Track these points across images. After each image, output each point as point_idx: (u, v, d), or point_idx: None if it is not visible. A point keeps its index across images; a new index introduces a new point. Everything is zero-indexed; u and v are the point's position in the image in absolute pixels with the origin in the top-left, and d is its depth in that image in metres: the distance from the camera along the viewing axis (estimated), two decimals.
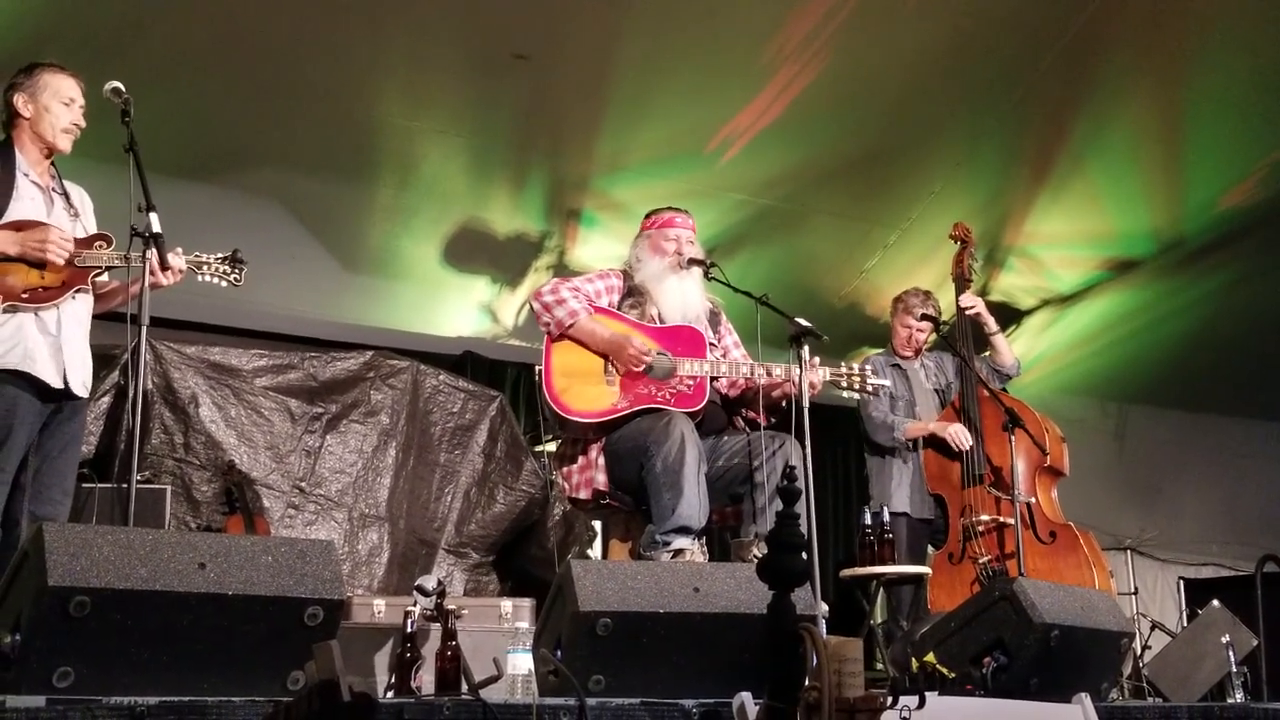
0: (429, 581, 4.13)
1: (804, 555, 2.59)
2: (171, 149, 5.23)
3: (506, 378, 8.29)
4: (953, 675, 3.68)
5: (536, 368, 4.92)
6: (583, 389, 4.82)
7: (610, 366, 4.87)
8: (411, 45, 6.93)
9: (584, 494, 4.86)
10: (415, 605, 3.95)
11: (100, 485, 5.15)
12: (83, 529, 2.63)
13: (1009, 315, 9.32)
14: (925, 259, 8.67)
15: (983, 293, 6.39)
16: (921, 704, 2.65)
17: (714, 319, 5.21)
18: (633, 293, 5.08)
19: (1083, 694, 3.48)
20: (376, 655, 4.76)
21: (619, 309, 5.02)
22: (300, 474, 6.13)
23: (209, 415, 5.97)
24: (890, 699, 2.53)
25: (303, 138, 7.27)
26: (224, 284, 4.50)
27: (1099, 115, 8.03)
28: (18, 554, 2.63)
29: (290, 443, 6.13)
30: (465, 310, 8.48)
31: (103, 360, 5.52)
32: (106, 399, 5.74)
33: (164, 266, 4.13)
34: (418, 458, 6.52)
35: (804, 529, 2.64)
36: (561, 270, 8.18)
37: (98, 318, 4.50)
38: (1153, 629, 7.47)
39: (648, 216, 5.26)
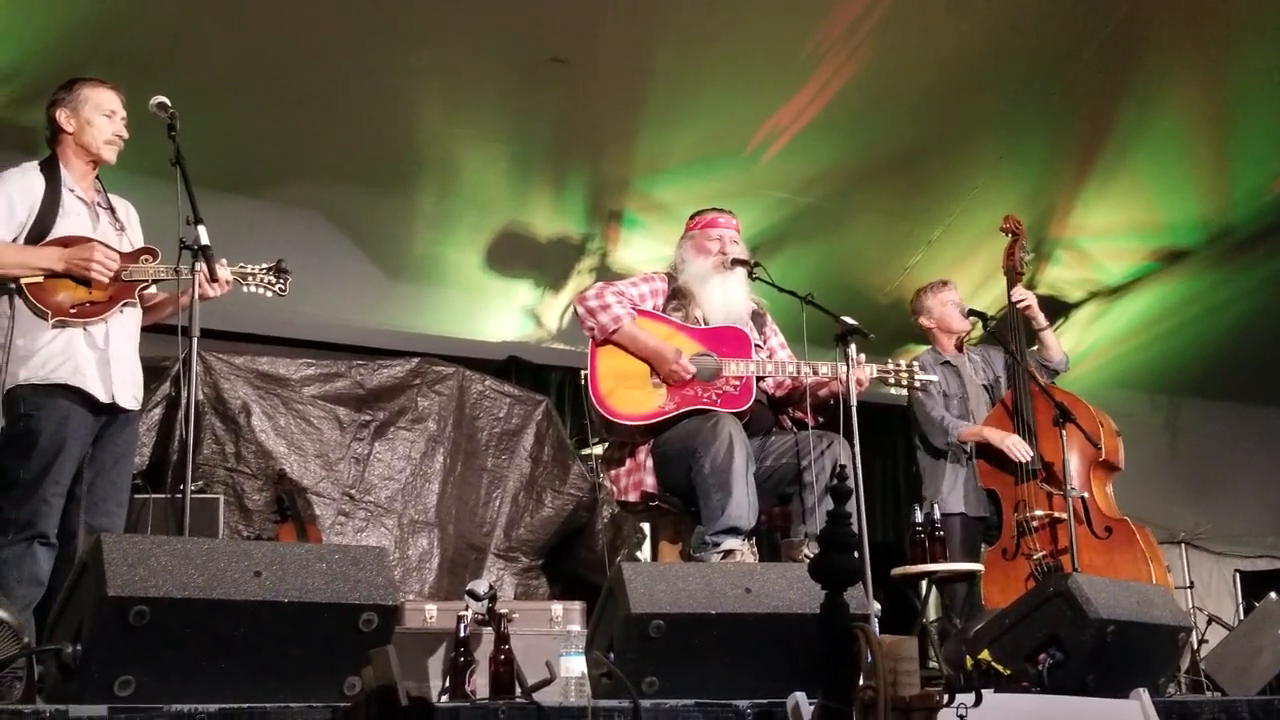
0: (480, 586, 4.15)
1: (856, 554, 2.57)
2: (212, 163, 5.31)
3: (551, 382, 8.31)
4: (1008, 672, 3.66)
5: (582, 372, 4.93)
6: (629, 392, 4.83)
7: (654, 370, 4.87)
8: (448, 53, 6.96)
9: (633, 496, 4.86)
10: (467, 610, 3.96)
11: (154, 496, 5.19)
12: (140, 539, 2.66)
13: (1056, 308, 9.26)
14: (970, 254, 8.63)
15: (1030, 286, 6.32)
16: (978, 702, 2.63)
17: (758, 319, 5.20)
18: (677, 295, 5.08)
19: (1140, 689, 3.44)
20: (429, 660, 4.78)
21: (664, 311, 5.02)
22: (350, 481, 6.16)
23: (259, 425, 6.01)
24: (946, 697, 2.51)
25: (342, 149, 7.32)
26: (269, 294, 4.52)
27: (1143, 104, 7.96)
28: (77, 565, 2.66)
29: (339, 450, 6.16)
30: (509, 315, 8.51)
31: (153, 372, 5.56)
32: (158, 410, 5.79)
33: (213, 279, 4.17)
34: (465, 463, 6.54)
35: (855, 528, 2.63)
36: (604, 273, 8.20)
37: (147, 330, 4.54)
38: (1209, 623, 7.38)
39: (691, 218, 5.26)
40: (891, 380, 5.05)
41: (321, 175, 7.46)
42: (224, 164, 6.60)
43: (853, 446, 4.58)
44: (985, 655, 3.69)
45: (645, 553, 6.83)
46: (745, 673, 3.13)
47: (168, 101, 4.22)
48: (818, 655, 2.50)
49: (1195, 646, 6.14)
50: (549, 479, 6.64)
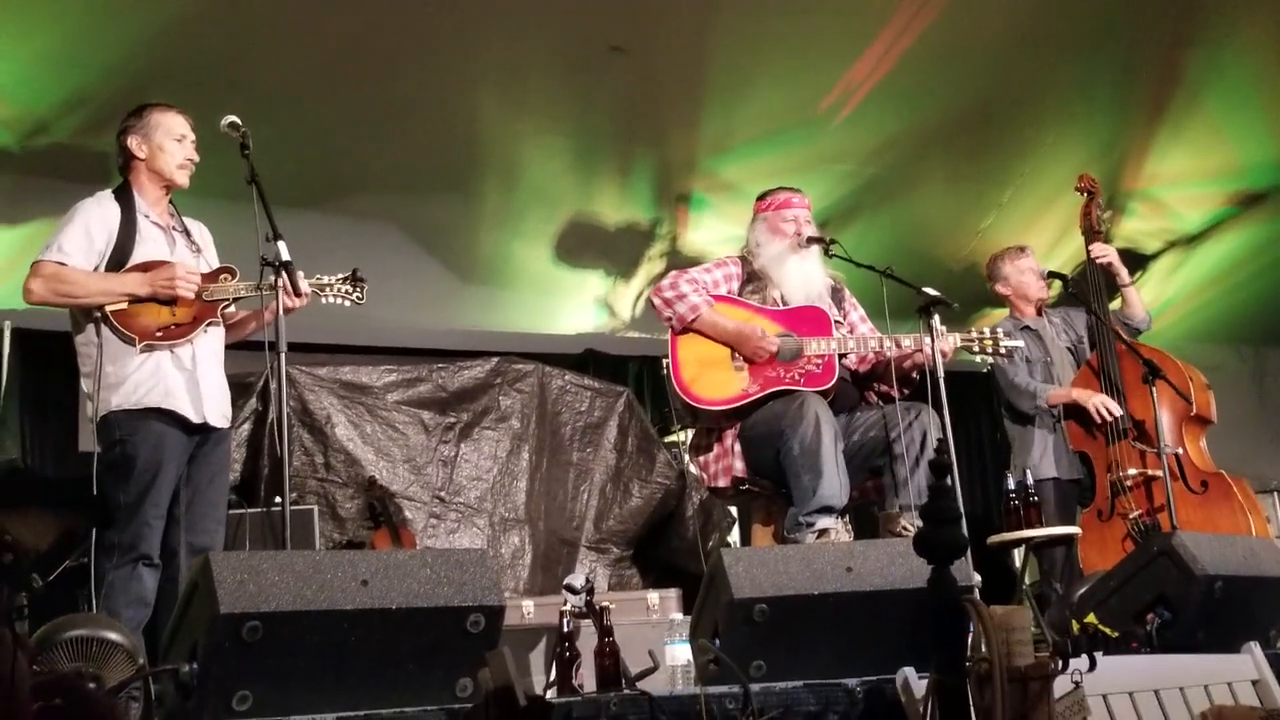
0: (577, 580, 4.14)
1: (961, 527, 2.54)
2: (280, 179, 5.40)
3: (629, 372, 8.32)
4: (1116, 634, 3.61)
5: (664, 361, 4.92)
6: (712, 377, 4.81)
7: (738, 352, 4.86)
8: (507, 51, 6.99)
9: (723, 482, 4.85)
10: (566, 604, 3.96)
11: (250, 510, 5.26)
12: (247, 556, 2.70)
13: (1134, 261, 9.10)
14: (1042, 214, 8.53)
15: (1106, 242, 6.22)
16: (1093, 666, 2.60)
17: (837, 295, 5.16)
18: (752, 278, 5.05)
19: (1252, 643, 3.39)
20: (529, 655, 4.81)
21: (740, 295, 5.00)
22: (439, 484, 6.21)
23: (345, 434, 6.08)
24: (1061, 664, 2.48)
25: (408, 156, 7.37)
26: (347, 304, 4.54)
27: (1213, 46, 7.80)
28: (187, 585, 2.70)
29: (426, 454, 6.21)
30: (582, 307, 8.53)
31: (239, 388, 5.64)
32: (246, 426, 5.87)
33: (297, 293, 4.20)
34: (551, 459, 6.56)
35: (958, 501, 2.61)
36: (675, 256, 8.20)
37: (232, 347, 4.59)
38: None
39: (761, 199, 5.21)
40: (976, 349, 4.99)
41: (388, 184, 7.52)
42: (290, 179, 6.66)
43: (942, 417, 4.54)
44: (1092, 619, 3.65)
45: (735, 536, 6.82)
46: (852, 651, 3.12)
47: (239, 121, 4.25)
48: (926, 630, 2.49)
49: None
50: (635, 469, 6.65)
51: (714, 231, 8.12)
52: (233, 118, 4.25)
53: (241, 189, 4.18)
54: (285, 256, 4.09)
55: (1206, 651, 3.45)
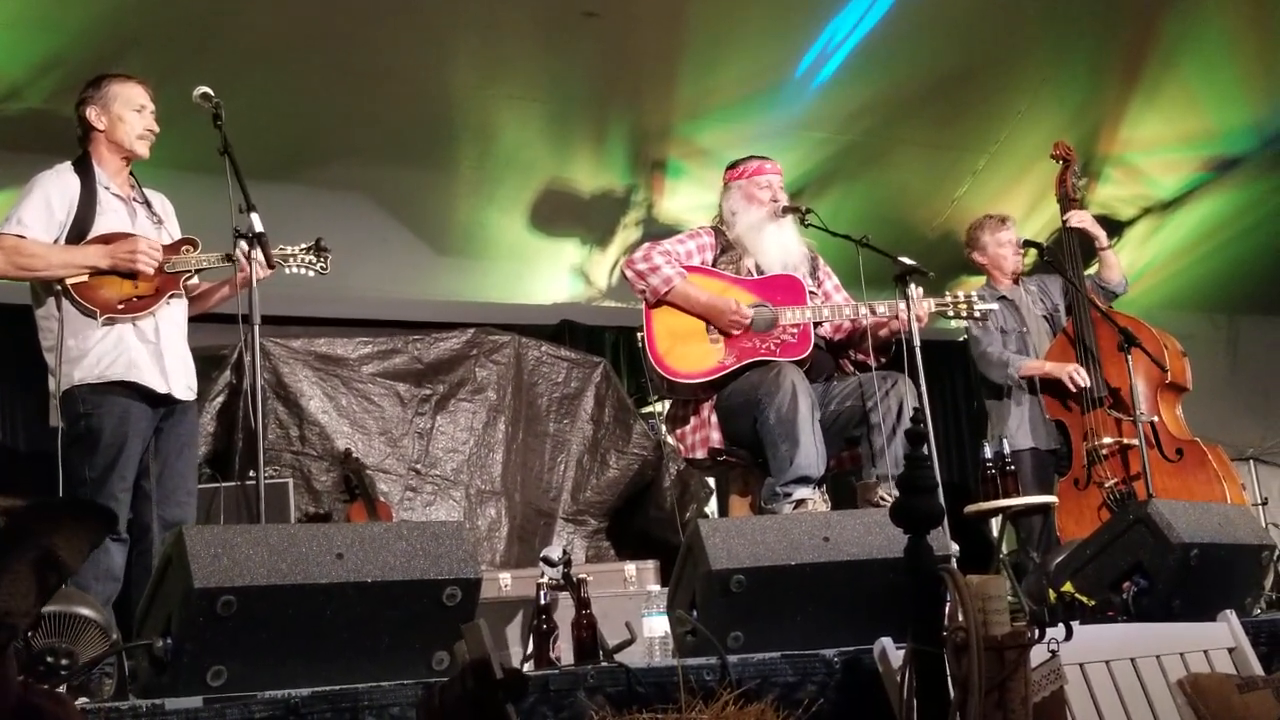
0: (554, 552, 4.13)
1: (938, 496, 2.54)
2: (252, 151, 5.33)
3: (605, 342, 8.29)
4: (1092, 603, 3.63)
5: (639, 334, 4.90)
6: (687, 349, 4.81)
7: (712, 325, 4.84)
8: (481, 14, 6.91)
9: (700, 453, 4.85)
10: (543, 577, 3.95)
11: (224, 484, 5.23)
12: (221, 529, 2.68)
13: (1109, 228, 9.08)
14: (1017, 181, 8.52)
15: (1081, 209, 6.22)
16: (1069, 635, 2.61)
17: (812, 264, 5.15)
18: (727, 248, 5.03)
19: (1228, 611, 3.41)
20: (507, 628, 4.80)
21: (714, 266, 4.98)
22: (415, 456, 6.19)
23: (320, 406, 6.04)
24: (1037, 632, 2.49)
25: (381, 125, 7.29)
26: (311, 273, 4.52)
27: (1188, 9, 7.77)
28: (161, 560, 2.68)
29: (402, 426, 6.19)
30: (558, 276, 8.49)
31: (213, 360, 5.61)
32: (220, 398, 5.83)
33: (270, 265, 4.17)
34: (527, 430, 6.55)
35: (935, 470, 2.60)
36: (651, 224, 8.16)
37: (205, 320, 4.56)
38: None
39: (733, 167, 5.19)
40: (950, 313, 4.99)
41: (361, 154, 7.45)
42: (262, 151, 6.56)
43: (918, 386, 4.53)
44: (1069, 587, 3.67)
45: (713, 507, 6.82)
46: (829, 622, 3.13)
47: (210, 91, 4.20)
48: (903, 600, 2.49)
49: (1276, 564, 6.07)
50: (612, 440, 6.64)
51: (690, 198, 8.08)
52: (205, 88, 4.21)
53: (212, 161, 4.14)
54: (258, 228, 4.06)
55: (1183, 619, 3.47)
